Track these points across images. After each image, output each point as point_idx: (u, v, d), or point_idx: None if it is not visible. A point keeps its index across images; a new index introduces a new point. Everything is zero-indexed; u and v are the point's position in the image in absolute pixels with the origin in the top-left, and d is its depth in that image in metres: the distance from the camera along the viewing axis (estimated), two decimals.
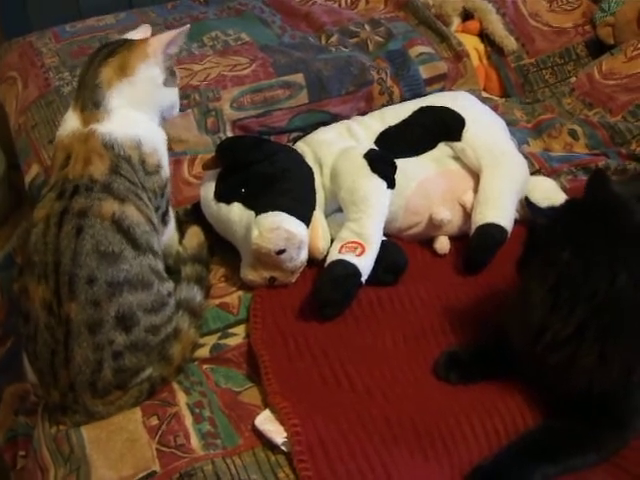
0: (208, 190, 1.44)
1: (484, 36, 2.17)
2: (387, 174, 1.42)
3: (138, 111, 1.29)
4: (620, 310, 1.04)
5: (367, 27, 2.12)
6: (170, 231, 1.39)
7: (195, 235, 1.43)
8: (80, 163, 1.21)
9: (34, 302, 1.16)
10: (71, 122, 1.27)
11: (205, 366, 1.28)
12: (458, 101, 1.64)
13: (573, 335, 1.06)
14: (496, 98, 2.10)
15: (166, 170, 1.33)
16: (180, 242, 1.43)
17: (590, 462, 1.09)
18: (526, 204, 1.17)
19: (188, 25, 1.36)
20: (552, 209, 1.15)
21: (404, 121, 1.59)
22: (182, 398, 1.21)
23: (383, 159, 1.45)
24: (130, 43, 1.31)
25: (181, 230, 1.45)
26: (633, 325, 1.05)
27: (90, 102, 1.26)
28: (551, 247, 1.08)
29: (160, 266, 1.26)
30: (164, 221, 1.35)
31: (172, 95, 1.36)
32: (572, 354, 1.07)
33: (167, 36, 1.32)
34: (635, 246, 1.05)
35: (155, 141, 1.31)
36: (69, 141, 1.24)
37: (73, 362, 1.15)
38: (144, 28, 1.42)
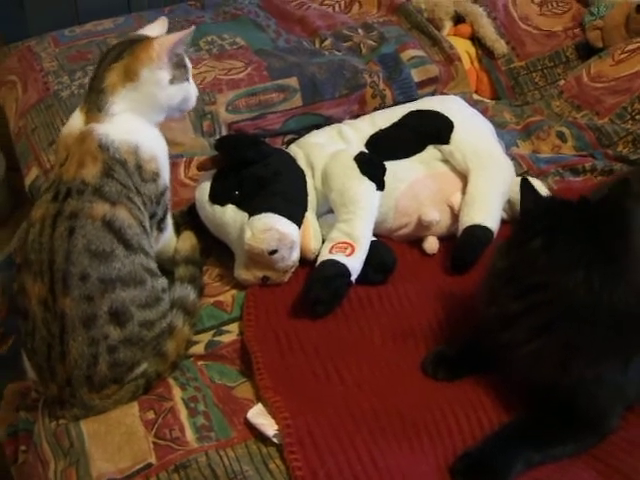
0: (203, 192, 1.47)
1: (475, 39, 2.21)
2: (377, 176, 1.46)
3: (141, 116, 1.30)
4: (569, 310, 1.08)
5: (360, 31, 2.15)
6: (165, 238, 1.40)
7: (188, 238, 1.46)
8: (74, 166, 1.24)
9: (31, 299, 1.19)
10: (75, 121, 1.30)
11: (200, 362, 1.31)
12: (447, 104, 1.68)
13: (521, 317, 1.11)
14: (487, 100, 2.13)
15: (164, 179, 1.34)
16: None
17: (570, 452, 1.14)
18: (522, 184, 1.17)
19: (193, 27, 1.35)
20: (544, 198, 1.19)
21: (394, 124, 1.63)
22: (177, 393, 1.24)
23: (373, 162, 1.48)
24: (135, 47, 1.29)
25: (177, 232, 1.48)
26: (579, 326, 1.08)
27: (95, 105, 1.28)
28: (527, 230, 1.13)
29: (152, 265, 1.29)
30: (159, 228, 1.36)
31: (182, 91, 1.34)
32: (518, 337, 1.12)
33: (172, 38, 1.30)
34: (605, 259, 1.08)
35: (155, 149, 1.32)
36: (70, 140, 1.27)
37: (69, 356, 1.19)
38: (161, 22, 1.40)
